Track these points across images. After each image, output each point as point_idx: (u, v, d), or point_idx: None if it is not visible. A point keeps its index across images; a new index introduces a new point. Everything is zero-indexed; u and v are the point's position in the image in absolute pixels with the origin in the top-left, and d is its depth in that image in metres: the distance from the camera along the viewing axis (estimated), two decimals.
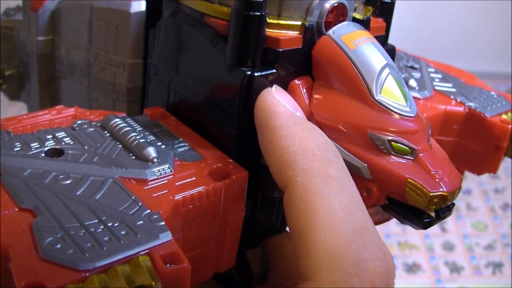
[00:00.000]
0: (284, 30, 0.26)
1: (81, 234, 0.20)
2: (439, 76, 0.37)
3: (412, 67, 0.38)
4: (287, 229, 0.32)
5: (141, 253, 0.20)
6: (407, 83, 0.34)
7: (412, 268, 1.25)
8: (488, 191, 1.49)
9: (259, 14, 0.24)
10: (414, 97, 0.33)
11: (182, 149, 0.26)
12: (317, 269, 0.20)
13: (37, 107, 0.36)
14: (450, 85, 0.36)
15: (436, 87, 0.35)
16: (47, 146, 0.25)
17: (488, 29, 1.79)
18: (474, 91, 0.36)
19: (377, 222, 0.26)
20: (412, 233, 1.30)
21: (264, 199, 0.29)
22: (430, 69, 0.38)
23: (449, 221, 1.31)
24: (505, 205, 1.42)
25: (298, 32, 0.26)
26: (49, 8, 0.33)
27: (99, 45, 0.31)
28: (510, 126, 0.32)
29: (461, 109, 0.34)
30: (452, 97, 0.34)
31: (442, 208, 0.25)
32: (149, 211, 0.22)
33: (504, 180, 1.51)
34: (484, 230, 1.34)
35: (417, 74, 0.36)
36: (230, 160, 0.26)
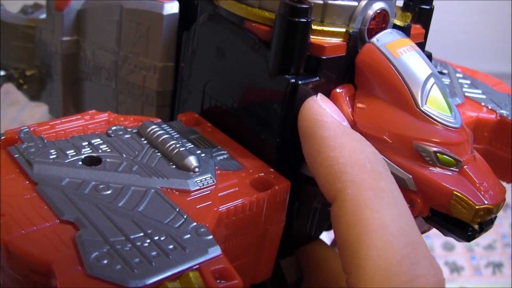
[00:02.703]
0: (328, 37, 0.25)
1: (128, 248, 0.19)
2: (468, 82, 0.37)
3: (441, 73, 0.37)
4: (321, 237, 0.31)
5: (191, 269, 0.19)
6: None
7: None
8: None
9: (304, 20, 0.24)
10: None
11: (221, 157, 0.26)
12: (369, 285, 0.20)
13: (59, 108, 0.35)
14: (479, 91, 0.36)
15: (466, 94, 0.35)
16: (84, 154, 0.24)
17: (488, 29, 1.79)
18: (504, 97, 0.36)
19: None
20: None
21: (299, 208, 0.28)
22: (458, 74, 0.38)
23: None
24: (505, 205, 1.42)
25: (341, 39, 0.25)
26: (75, 7, 0.32)
27: (128, 47, 0.30)
28: None
29: (492, 116, 0.33)
30: (482, 104, 0.34)
31: (486, 221, 0.25)
32: (195, 224, 0.21)
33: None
34: None
35: (446, 80, 0.36)
36: (272, 170, 0.25)
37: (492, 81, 0.38)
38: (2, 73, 0.36)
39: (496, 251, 1.26)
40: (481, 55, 1.75)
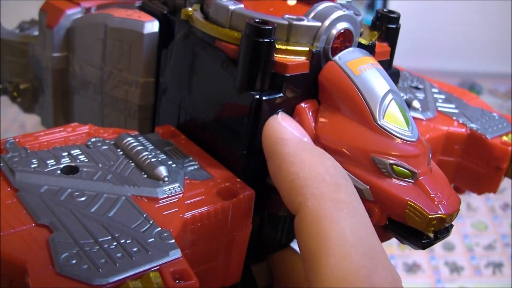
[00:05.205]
0: (292, 56, 0.27)
1: (95, 250, 0.21)
2: (443, 96, 0.38)
3: (417, 88, 0.38)
4: (292, 244, 0.33)
5: (152, 269, 0.21)
6: (410, 104, 0.35)
7: (412, 268, 1.25)
8: None
9: (268, 40, 0.25)
10: (417, 118, 0.34)
11: (192, 168, 0.27)
12: None
13: (50, 120, 0.37)
14: (453, 106, 0.37)
15: (439, 108, 0.36)
16: (63, 164, 0.26)
17: (488, 29, 1.78)
18: (476, 112, 0.37)
19: None
20: None
21: (270, 216, 0.30)
22: (434, 90, 0.39)
23: None
24: (505, 205, 1.41)
25: (305, 58, 0.27)
26: (65, 26, 0.34)
27: (112, 63, 0.32)
28: (510, 148, 0.33)
29: (463, 130, 0.34)
30: (454, 118, 0.35)
31: (441, 230, 0.26)
32: (160, 229, 0.23)
33: (504, 181, 1.50)
34: (484, 230, 1.34)
35: (421, 95, 0.37)
36: (238, 180, 0.27)
37: (468, 96, 0.39)
38: None
39: (496, 251, 1.26)
40: (481, 55, 1.74)
